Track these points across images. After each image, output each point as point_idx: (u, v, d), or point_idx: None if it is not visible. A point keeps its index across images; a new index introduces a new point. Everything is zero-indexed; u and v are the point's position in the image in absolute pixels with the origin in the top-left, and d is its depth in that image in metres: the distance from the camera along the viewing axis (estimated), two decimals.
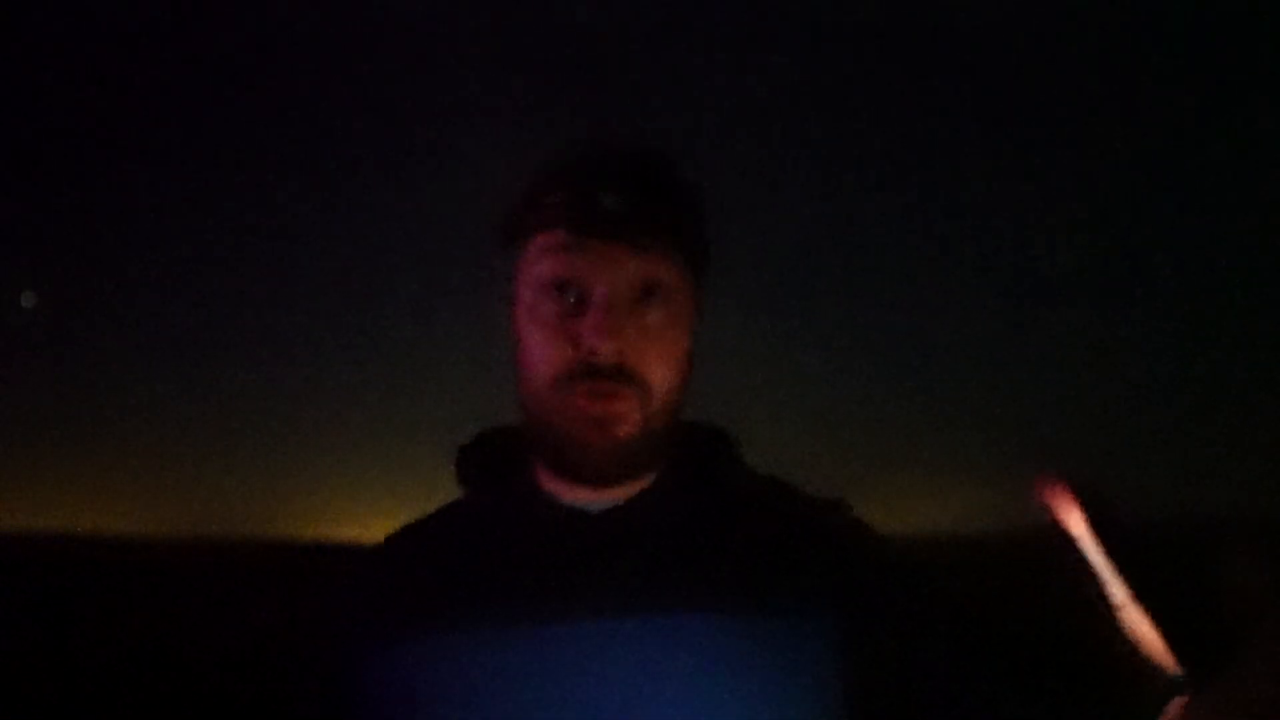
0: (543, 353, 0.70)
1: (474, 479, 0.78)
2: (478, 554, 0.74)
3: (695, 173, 0.77)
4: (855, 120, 2.23)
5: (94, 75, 2.33)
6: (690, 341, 0.74)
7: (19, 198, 2.42)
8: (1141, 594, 0.56)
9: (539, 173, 0.75)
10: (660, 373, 0.70)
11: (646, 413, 0.70)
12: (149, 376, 2.73)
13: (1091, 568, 0.59)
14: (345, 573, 0.81)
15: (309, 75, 2.27)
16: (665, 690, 0.67)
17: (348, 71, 2.26)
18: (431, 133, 2.32)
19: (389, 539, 0.82)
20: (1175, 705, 0.55)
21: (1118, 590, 0.58)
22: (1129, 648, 0.57)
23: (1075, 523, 0.60)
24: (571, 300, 0.69)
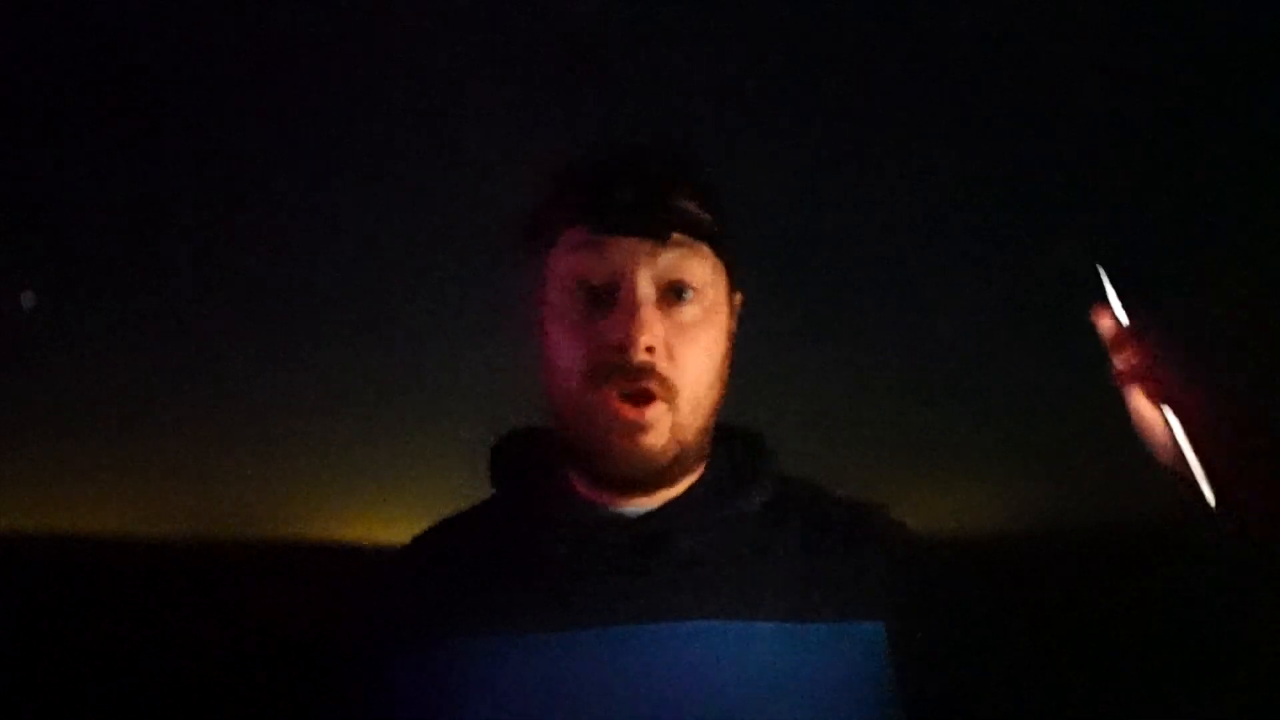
0: (569, 352, 0.69)
1: (506, 480, 0.78)
2: (511, 556, 0.73)
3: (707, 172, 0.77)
4: (858, 120, 2.23)
5: (94, 75, 2.33)
6: (726, 345, 0.73)
7: (19, 198, 2.42)
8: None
9: (561, 172, 0.74)
10: (691, 375, 0.69)
11: (678, 418, 0.68)
12: (149, 376, 2.73)
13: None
14: (377, 572, 0.81)
15: (310, 75, 2.27)
16: (703, 698, 0.66)
17: (351, 71, 2.26)
18: (431, 130, 2.31)
19: (420, 537, 0.81)
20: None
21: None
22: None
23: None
24: (598, 299, 0.68)
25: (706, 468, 0.75)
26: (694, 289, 0.70)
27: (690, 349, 0.70)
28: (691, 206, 0.71)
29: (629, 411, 0.68)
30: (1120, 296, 0.64)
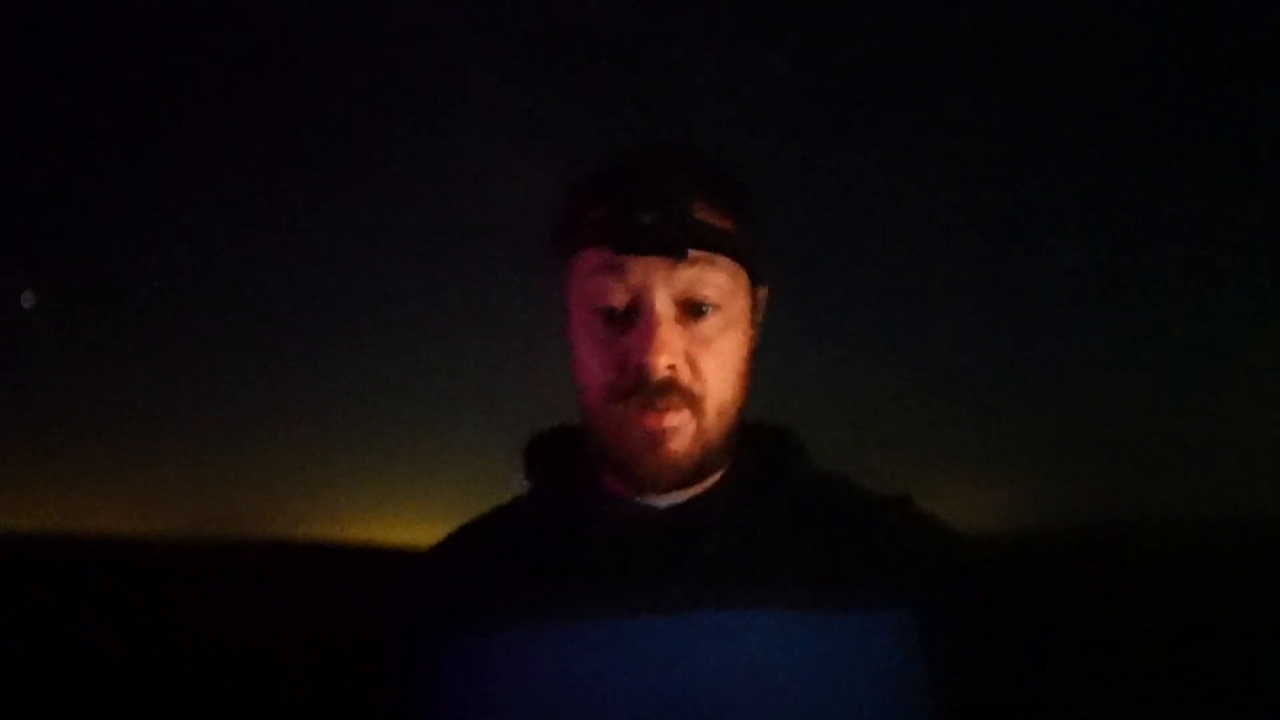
0: (594, 370, 0.70)
1: (540, 476, 0.78)
2: (545, 551, 0.73)
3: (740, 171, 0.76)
4: (862, 119, 2.24)
5: (94, 76, 2.33)
6: (748, 347, 0.73)
7: (19, 198, 2.42)
8: None
9: (582, 185, 0.73)
10: (715, 385, 0.69)
11: (701, 426, 0.68)
12: (149, 377, 2.74)
13: None
14: (418, 566, 0.81)
15: (311, 76, 2.27)
16: (734, 687, 0.66)
17: (357, 74, 2.26)
18: (434, 134, 2.32)
19: (457, 533, 0.81)
20: None
21: None
22: None
23: None
24: (620, 318, 0.68)
25: (736, 462, 0.75)
26: (715, 301, 0.70)
27: (712, 360, 0.70)
28: (710, 218, 0.71)
29: (652, 421, 0.68)
30: None
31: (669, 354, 0.64)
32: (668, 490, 0.67)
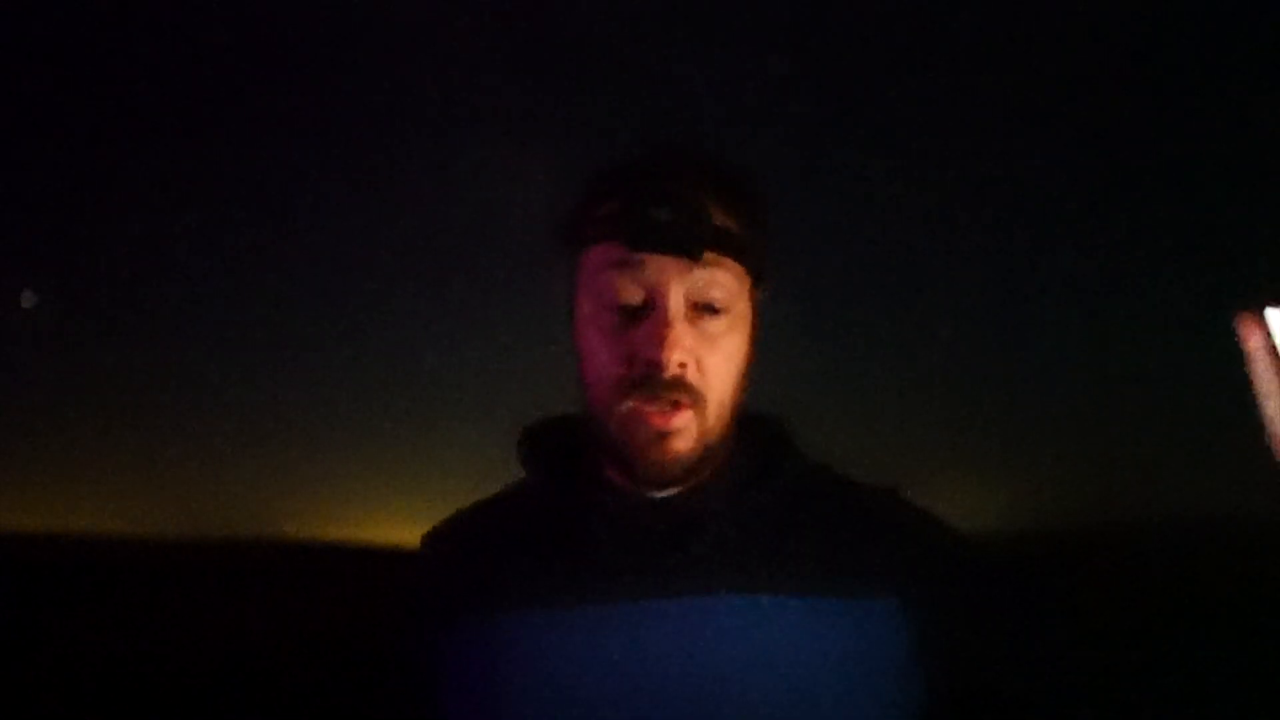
0: (602, 363, 0.71)
1: (538, 464, 0.79)
2: (547, 537, 0.75)
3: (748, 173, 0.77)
4: (862, 119, 2.23)
5: (94, 76, 2.33)
6: (750, 347, 0.75)
7: (19, 198, 2.42)
8: None
9: (597, 178, 0.75)
10: (719, 385, 0.71)
11: (704, 426, 0.70)
12: (149, 377, 2.73)
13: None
14: (419, 554, 0.83)
15: (312, 76, 2.27)
16: (732, 668, 0.68)
17: (352, 73, 2.26)
18: (434, 133, 2.31)
19: (453, 519, 0.82)
20: None
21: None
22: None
23: (1256, 343, 0.61)
24: (631, 313, 0.70)
25: (732, 454, 0.77)
26: (723, 301, 0.72)
27: (718, 359, 0.72)
28: (722, 220, 0.72)
29: (657, 419, 0.70)
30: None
31: (681, 351, 0.65)
32: (668, 485, 0.69)
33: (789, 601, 0.67)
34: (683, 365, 0.65)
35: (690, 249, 0.66)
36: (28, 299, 2.40)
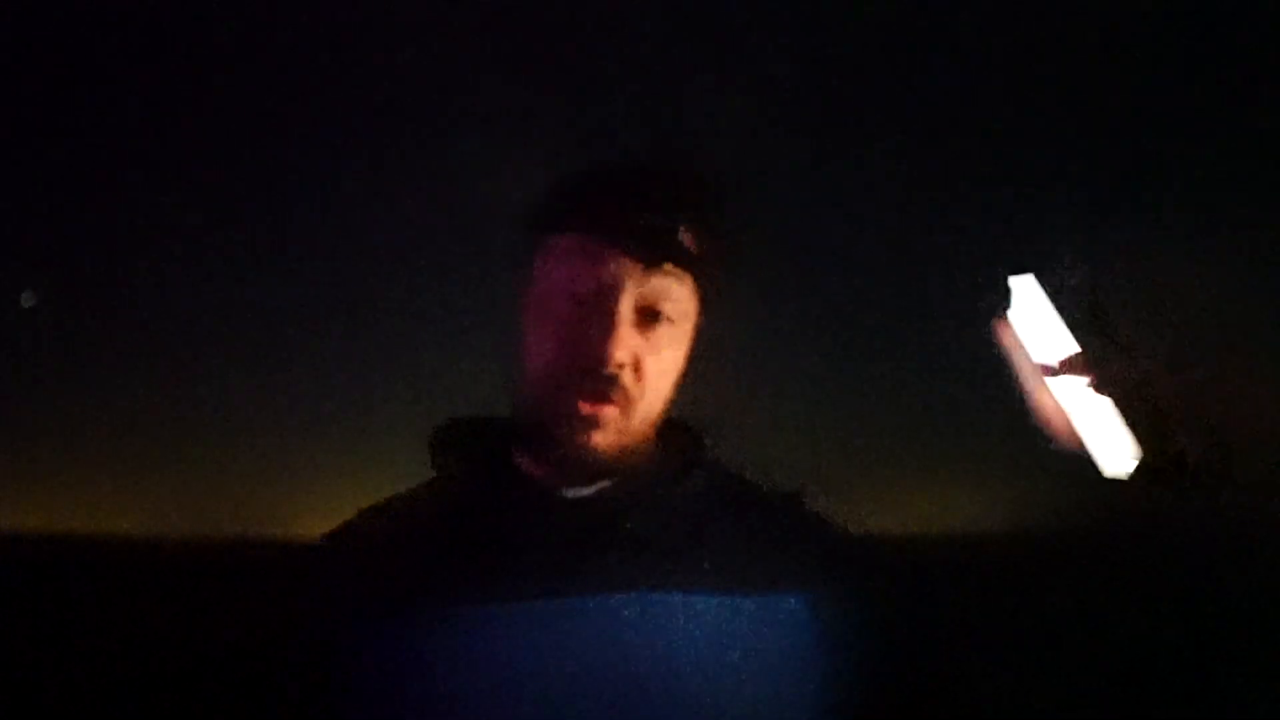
0: (545, 348, 0.73)
1: (449, 462, 0.81)
2: (457, 533, 0.77)
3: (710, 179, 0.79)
4: (855, 121, 2.23)
5: (94, 75, 2.33)
6: (686, 362, 0.77)
7: (19, 198, 2.42)
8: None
9: (579, 171, 0.77)
10: (651, 392, 0.73)
11: (626, 427, 0.73)
12: (149, 376, 2.74)
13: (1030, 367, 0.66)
14: (320, 551, 0.84)
15: (310, 76, 2.27)
16: (644, 665, 0.70)
17: (349, 72, 2.26)
18: (428, 133, 2.32)
19: (358, 518, 0.84)
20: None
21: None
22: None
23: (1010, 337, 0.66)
24: (583, 306, 0.72)
25: (649, 457, 0.79)
26: (672, 313, 0.74)
27: (657, 368, 0.74)
28: (689, 236, 0.75)
29: (586, 406, 0.72)
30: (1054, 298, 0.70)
31: (622, 351, 0.67)
32: (579, 479, 0.71)
33: (700, 598, 0.69)
34: (620, 365, 0.67)
35: (651, 255, 0.68)
36: (28, 299, 2.41)
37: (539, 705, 0.67)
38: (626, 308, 0.72)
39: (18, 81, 2.44)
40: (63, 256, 2.77)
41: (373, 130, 2.50)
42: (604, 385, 0.71)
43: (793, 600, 0.73)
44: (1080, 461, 0.67)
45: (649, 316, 0.74)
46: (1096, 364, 0.63)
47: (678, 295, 0.74)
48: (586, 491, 0.76)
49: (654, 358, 0.74)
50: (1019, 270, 0.73)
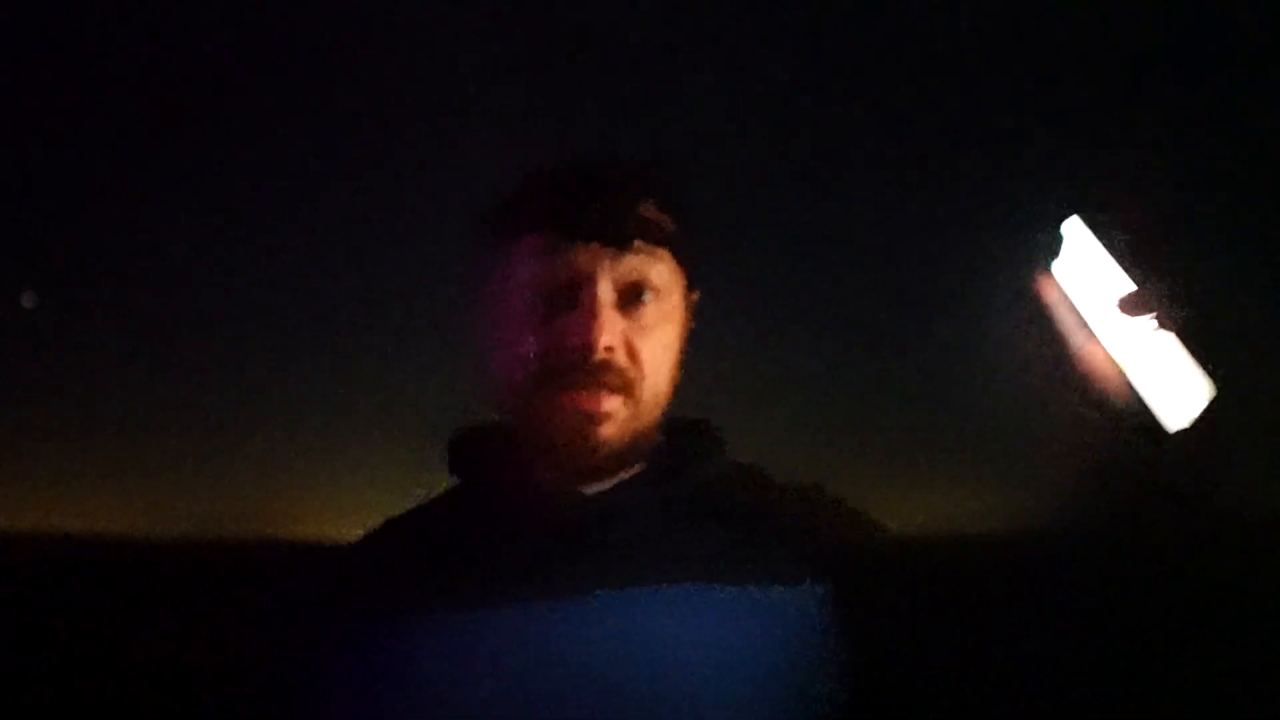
0: (523, 354, 0.72)
1: (466, 468, 0.81)
2: (471, 537, 0.76)
3: (692, 172, 0.79)
4: (850, 122, 2.22)
5: (94, 75, 2.33)
6: (681, 341, 0.76)
7: (19, 198, 2.42)
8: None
9: (525, 176, 0.76)
10: (651, 372, 0.72)
11: (633, 411, 0.72)
12: (149, 376, 2.73)
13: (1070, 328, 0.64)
14: (344, 556, 0.83)
15: (309, 76, 2.27)
16: (658, 660, 0.69)
17: (348, 72, 2.26)
18: (426, 133, 2.31)
19: (383, 526, 0.83)
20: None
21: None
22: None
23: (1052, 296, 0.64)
24: (557, 302, 0.71)
25: (660, 451, 0.78)
26: (654, 290, 0.73)
27: (650, 347, 0.73)
28: (653, 213, 0.74)
29: (585, 402, 0.71)
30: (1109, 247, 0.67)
31: (609, 335, 0.67)
32: (593, 475, 0.70)
33: (715, 591, 0.68)
34: (610, 349, 0.66)
35: (619, 236, 0.68)
36: (28, 299, 2.40)
37: (555, 705, 0.67)
38: (605, 292, 0.71)
39: (18, 82, 2.44)
40: (63, 256, 2.77)
41: (387, 132, 2.49)
42: (597, 375, 0.70)
43: (813, 593, 0.73)
44: (1132, 420, 0.65)
45: (631, 298, 0.73)
46: (1159, 299, 0.61)
47: (656, 270, 0.73)
48: (601, 488, 0.76)
49: (645, 337, 0.73)
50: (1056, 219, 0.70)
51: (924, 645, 0.74)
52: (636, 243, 0.72)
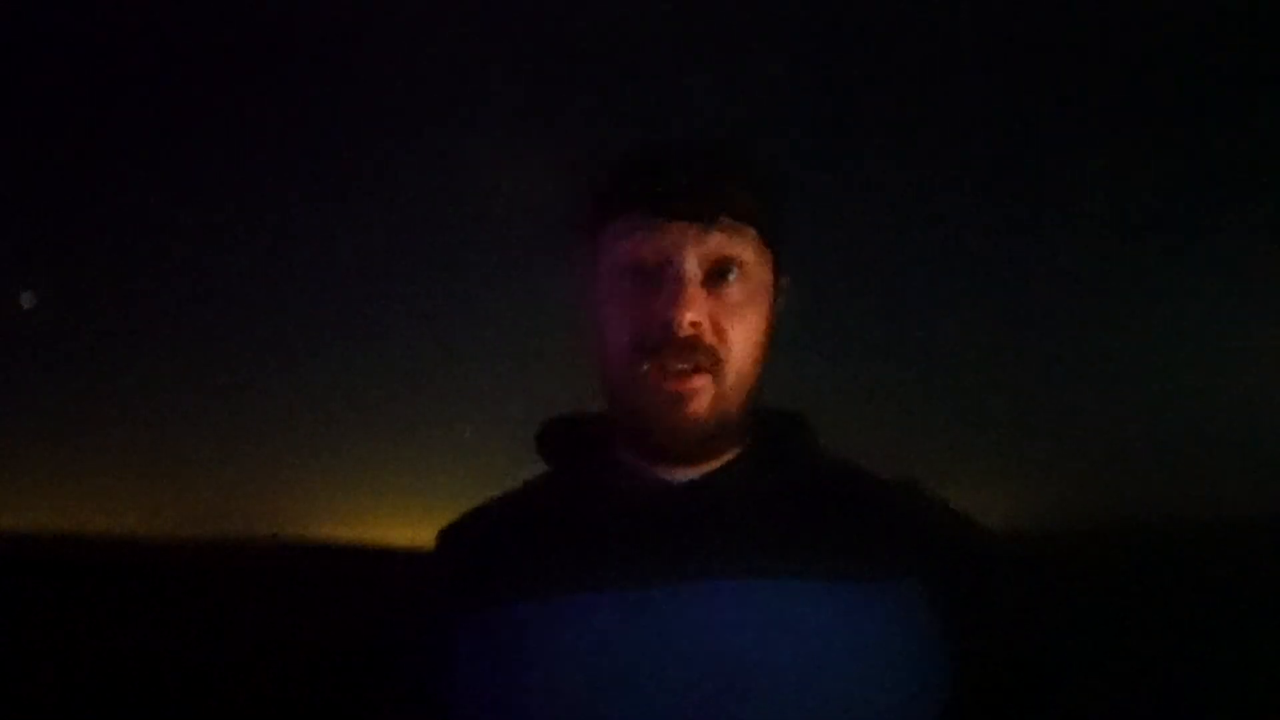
0: (620, 328, 0.72)
1: (557, 455, 0.80)
2: (566, 524, 0.76)
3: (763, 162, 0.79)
4: (855, 120, 2.22)
5: (94, 76, 2.32)
6: (769, 322, 0.75)
7: (19, 198, 2.42)
8: None
9: (615, 163, 0.77)
10: (737, 350, 0.72)
11: (721, 389, 0.71)
12: (149, 376, 2.73)
13: None
14: (439, 546, 0.83)
15: (310, 76, 2.27)
16: (754, 653, 0.68)
17: (349, 73, 2.25)
18: (431, 132, 2.31)
19: (471, 513, 0.83)
20: None
21: None
22: None
23: None
24: (647, 278, 0.71)
25: (749, 442, 0.78)
26: (739, 268, 0.73)
27: (736, 325, 0.73)
28: (739, 192, 0.74)
29: (673, 384, 0.71)
30: None
31: (694, 311, 0.66)
32: (684, 457, 0.69)
33: (811, 586, 0.67)
34: (696, 324, 0.66)
35: (705, 214, 0.67)
36: (28, 299, 2.40)
37: (648, 695, 0.66)
38: (692, 269, 0.71)
39: (18, 82, 2.43)
40: (63, 256, 2.77)
41: (418, 127, 2.48)
42: (684, 353, 0.70)
43: (908, 585, 0.72)
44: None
45: (718, 275, 0.73)
46: None
47: (742, 248, 0.73)
48: (693, 475, 0.75)
49: (731, 316, 0.72)
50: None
51: (1023, 645, 0.73)
52: (722, 219, 0.72)
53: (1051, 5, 2.18)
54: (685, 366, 0.71)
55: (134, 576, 2.67)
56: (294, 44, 2.42)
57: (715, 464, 0.75)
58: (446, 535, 0.83)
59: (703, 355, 0.71)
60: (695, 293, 0.70)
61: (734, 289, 0.73)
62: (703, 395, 0.71)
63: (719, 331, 0.72)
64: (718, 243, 0.72)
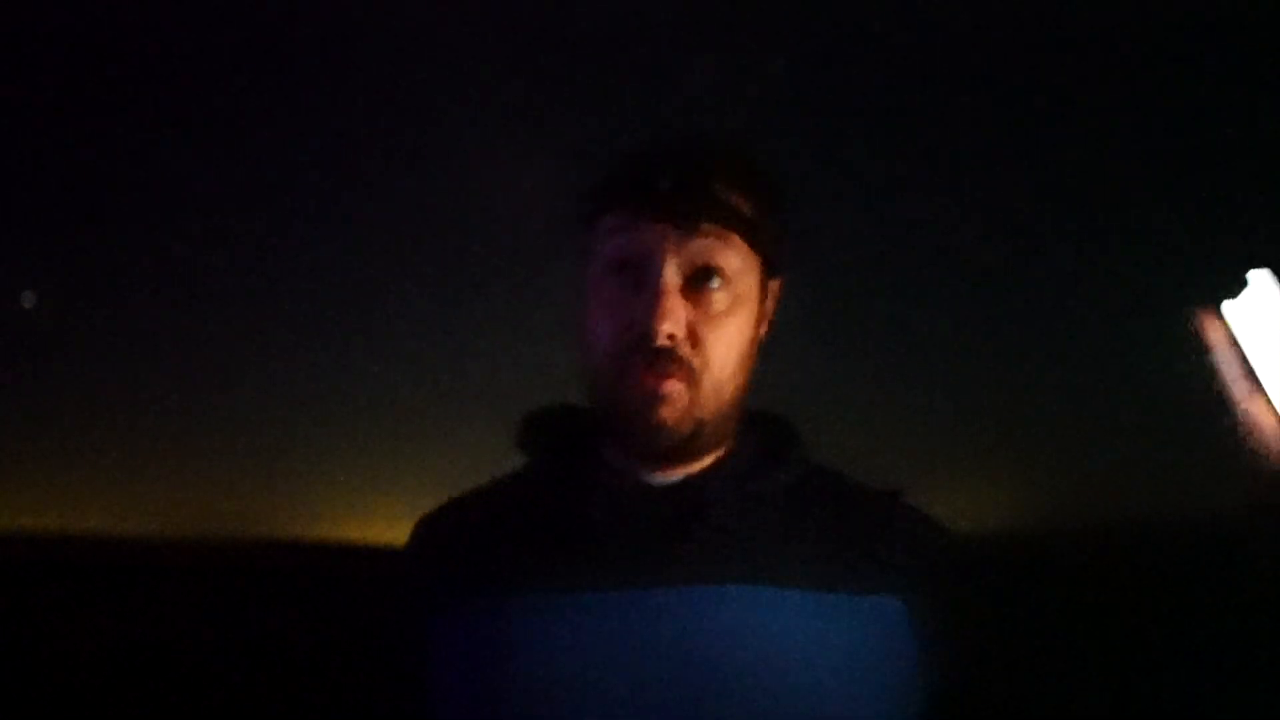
0: (601, 331, 0.72)
1: (537, 448, 0.80)
2: (544, 521, 0.76)
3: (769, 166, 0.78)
4: (859, 122, 2.22)
5: (95, 75, 2.33)
6: (756, 329, 0.75)
7: (19, 198, 2.42)
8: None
9: (614, 160, 0.77)
10: (715, 360, 0.72)
11: (695, 399, 0.71)
12: (149, 376, 2.73)
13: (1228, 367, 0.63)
14: (409, 541, 0.83)
15: (310, 75, 2.27)
16: (732, 659, 0.68)
17: (349, 71, 2.26)
18: (430, 131, 2.31)
19: (450, 505, 0.83)
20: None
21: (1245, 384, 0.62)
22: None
23: (1217, 334, 0.64)
24: (630, 280, 0.71)
25: (736, 444, 0.78)
26: (723, 276, 0.72)
27: (715, 335, 0.72)
28: (728, 195, 0.73)
29: (650, 380, 0.71)
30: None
31: (671, 322, 0.66)
32: (661, 458, 0.70)
33: (792, 594, 0.67)
34: (672, 337, 0.66)
35: (686, 217, 0.67)
36: (28, 299, 2.40)
37: (624, 696, 0.66)
38: (671, 275, 0.70)
39: (19, 82, 2.43)
40: (63, 256, 2.77)
41: (416, 131, 2.49)
42: (661, 358, 0.70)
43: (889, 600, 0.72)
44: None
45: (699, 282, 0.72)
46: None
47: (726, 256, 0.72)
48: (673, 478, 0.75)
49: (711, 324, 0.72)
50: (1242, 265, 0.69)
51: (1000, 658, 0.73)
52: (705, 225, 0.71)
53: (1054, 5, 2.18)
54: (660, 370, 0.71)
55: (134, 577, 2.67)
56: (294, 44, 2.42)
57: (698, 466, 0.75)
58: (424, 525, 0.82)
59: (677, 366, 0.71)
60: (673, 303, 0.70)
61: (716, 296, 0.72)
62: (676, 401, 0.71)
63: (696, 342, 0.72)
64: (700, 247, 0.72)
